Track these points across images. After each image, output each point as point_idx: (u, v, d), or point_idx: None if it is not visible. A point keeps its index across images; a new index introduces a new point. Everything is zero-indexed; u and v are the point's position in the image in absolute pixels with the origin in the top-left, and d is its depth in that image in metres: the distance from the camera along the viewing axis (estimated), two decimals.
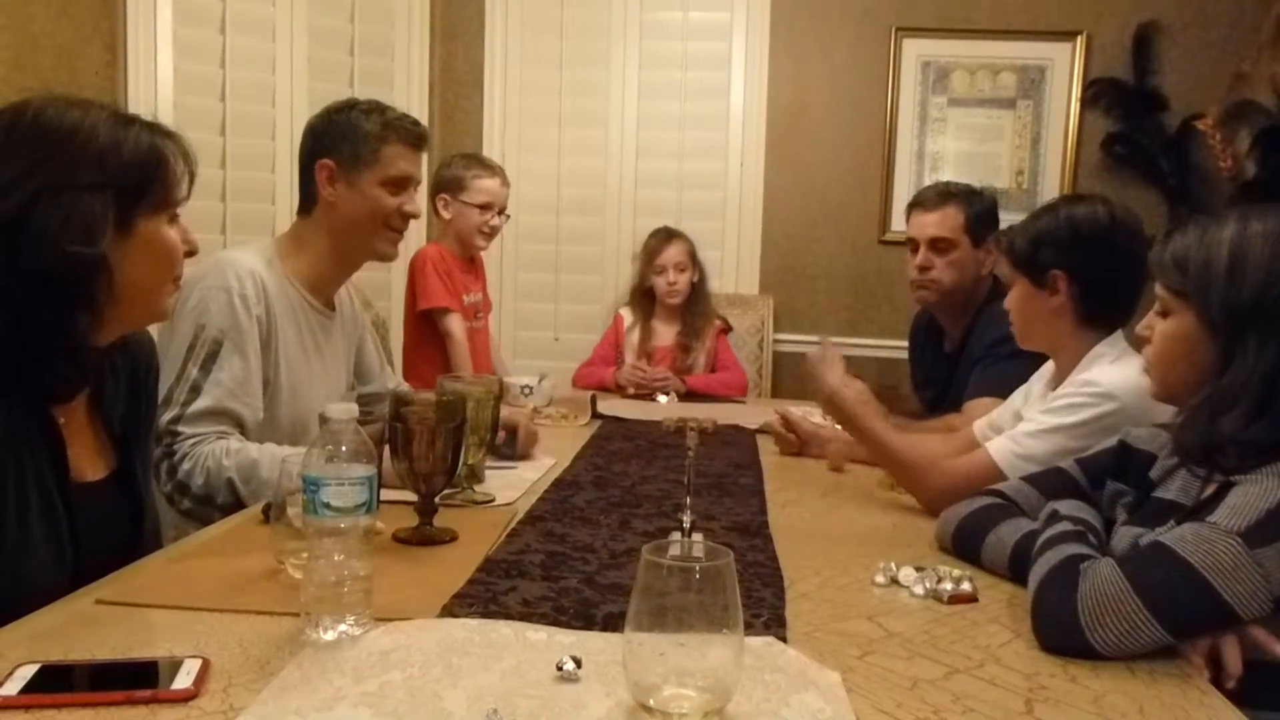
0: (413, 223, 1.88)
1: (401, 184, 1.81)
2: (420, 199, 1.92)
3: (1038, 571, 1.10)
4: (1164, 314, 1.25)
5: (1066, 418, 1.56)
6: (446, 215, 2.79)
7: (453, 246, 2.80)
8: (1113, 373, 1.56)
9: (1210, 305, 1.17)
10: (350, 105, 1.82)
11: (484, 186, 2.76)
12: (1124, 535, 1.24)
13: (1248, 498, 1.04)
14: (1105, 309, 1.65)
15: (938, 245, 2.31)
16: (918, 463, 1.66)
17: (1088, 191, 3.48)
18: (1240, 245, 1.15)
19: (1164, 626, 1.00)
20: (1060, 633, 1.03)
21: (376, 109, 1.81)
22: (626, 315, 3.10)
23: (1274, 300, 1.12)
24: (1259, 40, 3.34)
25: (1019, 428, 1.63)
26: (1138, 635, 1.00)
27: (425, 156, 1.91)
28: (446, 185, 2.78)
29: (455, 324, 2.69)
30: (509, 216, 2.89)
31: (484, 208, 2.76)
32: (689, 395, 2.81)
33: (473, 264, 2.89)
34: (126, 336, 1.26)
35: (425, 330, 2.72)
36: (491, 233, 2.82)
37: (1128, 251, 1.62)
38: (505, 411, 1.78)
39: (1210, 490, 1.13)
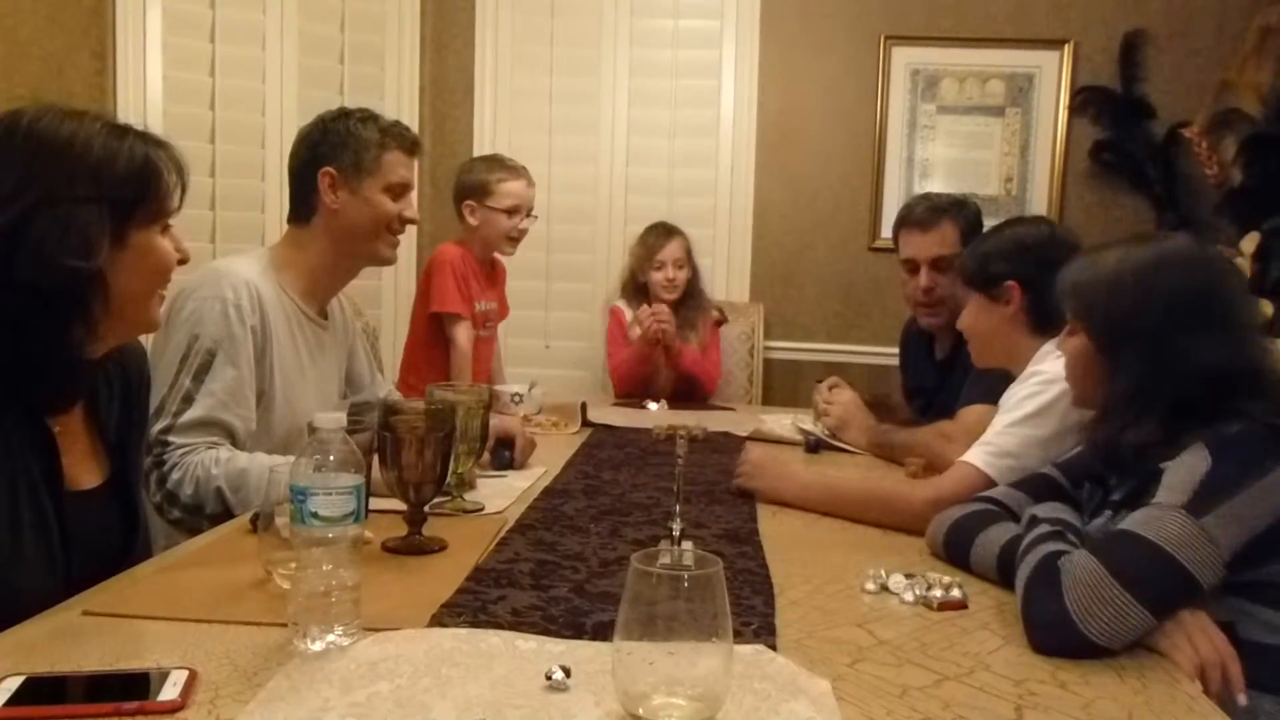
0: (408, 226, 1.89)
1: (402, 190, 1.85)
2: (416, 204, 1.93)
3: (1021, 576, 1.13)
4: (1071, 334, 1.38)
5: (1024, 409, 1.63)
6: (473, 222, 2.73)
7: (476, 250, 2.76)
8: (1057, 363, 1.64)
9: (1094, 328, 1.33)
10: (345, 114, 1.84)
11: (510, 190, 2.71)
12: (1083, 535, 1.28)
13: (1178, 476, 1.14)
14: (1053, 315, 1.71)
15: (939, 264, 2.29)
16: (897, 499, 1.62)
17: (1076, 211, 3.54)
18: (1118, 274, 1.30)
19: (1144, 605, 1.04)
20: (1053, 632, 1.04)
21: (371, 117, 1.84)
22: (623, 307, 3.06)
23: (1141, 321, 1.26)
24: (1243, 49, 3.37)
25: (986, 433, 1.66)
26: (1125, 619, 1.04)
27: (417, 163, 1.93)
28: (471, 191, 2.73)
29: (463, 332, 2.66)
30: (536, 218, 2.84)
31: (511, 212, 2.71)
32: (678, 402, 2.80)
33: (493, 270, 2.87)
34: (120, 345, 1.26)
35: (432, 331, 2.69)
36: (520, 236, 2.77)
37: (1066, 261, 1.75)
38: (497, 420, 1.78)
39: (1132, 484, 1.22)
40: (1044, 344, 1.74)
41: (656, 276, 2.97)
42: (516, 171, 2.76)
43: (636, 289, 3.03)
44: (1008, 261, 1.78)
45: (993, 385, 1.97)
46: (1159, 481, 1.15)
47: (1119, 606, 1.03)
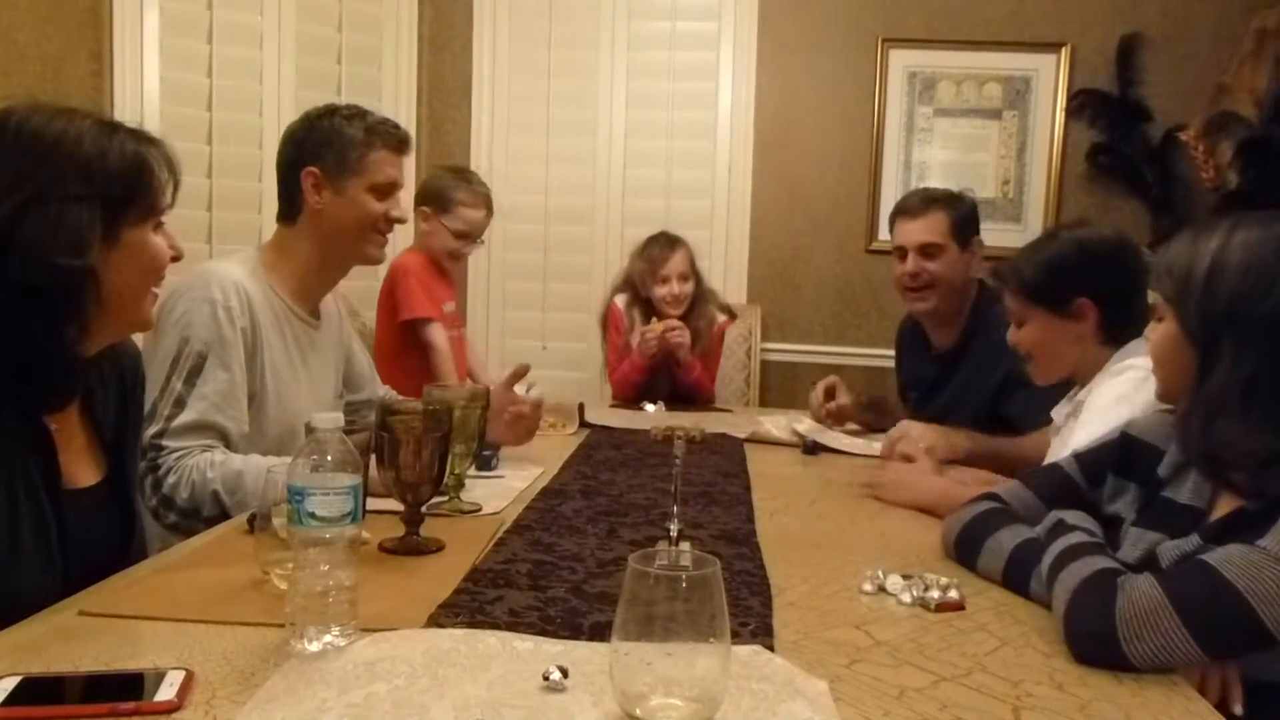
0: (396, 225, 1.87)
1: (388, 189, 1.82)
2: (406, 202, 1.92)
3: (1067, 582, 1.08)
4: (1159, 319, 1.27)
5: (1124, 408, 1.53)
6: (424, 227, 2.78)
7: (429, 255, 2.79)
8: (1145, 359, 1.54)
9: (1187, 312, 1.19)
10: (331, 111, 1.81)
11: (467, 217, 2.74)
12: (1135, 538, 1.23)
13: None
14: (1127, 325, 1.67)
15: (927, 251, 2.33)
16: None
17: (1072, 213, 3.54)
18: (1221, 254, 1.16)
19: (1200, 645, 0.99)
20: (1095, 644, 1.02)
21: (358, 114, 1.81)
22: (621, 306, 3.01)
23: (1247, 308, 1.13)
24: (1240, 53, 3.38)
25: (1079, 437, 1.56)
26: (1173, 651, 0.99)
27: (408, 161, 1.91)
28: (431, 199, 2.75)
29: (438, 334, 2.67)
30: (483, 243, 2.88)
31: (460, 235, 2.75)
32: (675, 403, 2.80)
33: (446, 272, 2.88)
34: (114, 345, 1.26)
35: (405, 341, 2.70)
36: (461, 258, 2.84)
37: (1138, 267, 1.68)
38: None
39: (1227, 501, 1.13)
40: (1115, 351, 1.66)
41: (660, 291, 2.89)
42: (479, 198, 2.77)
43: (639, 300, 2.98)
44: (1078, 275, 1.68)
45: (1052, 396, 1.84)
46: (1275, 519, 1.02)
47: (1170, 638, 0.99)
